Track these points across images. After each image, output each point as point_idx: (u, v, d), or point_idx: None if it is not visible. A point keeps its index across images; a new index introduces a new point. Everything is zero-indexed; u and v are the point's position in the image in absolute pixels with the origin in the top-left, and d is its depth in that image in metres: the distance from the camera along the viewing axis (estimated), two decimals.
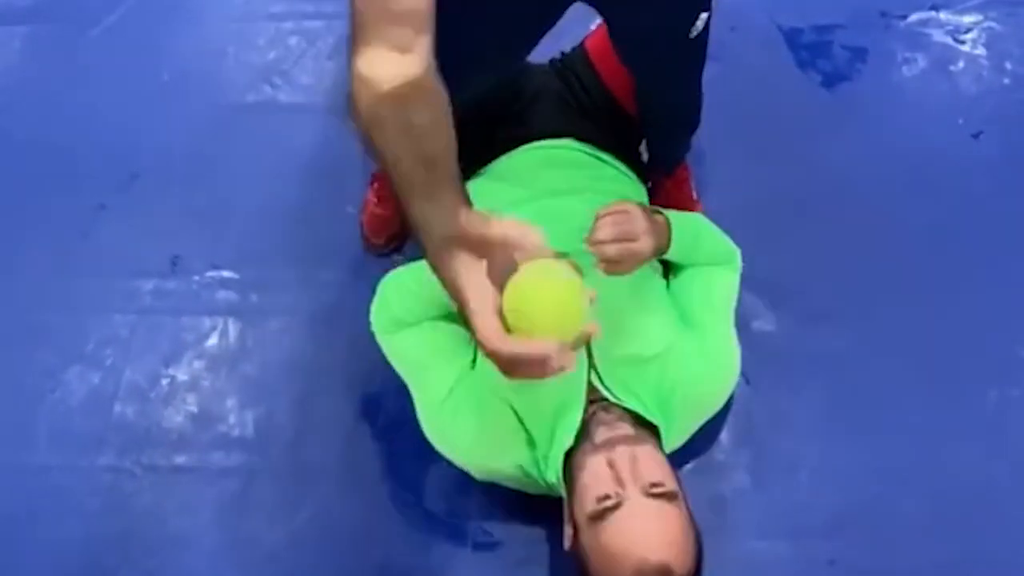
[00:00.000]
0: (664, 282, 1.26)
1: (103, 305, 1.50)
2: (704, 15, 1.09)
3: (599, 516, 0.96)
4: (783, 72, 1.72)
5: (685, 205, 1.48)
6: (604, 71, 1.38)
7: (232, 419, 1.39)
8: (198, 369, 1.43)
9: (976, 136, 1.64)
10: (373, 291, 1.48)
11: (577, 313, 0.65)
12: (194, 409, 1.40)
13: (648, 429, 1.10)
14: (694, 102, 1.33)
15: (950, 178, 1.59)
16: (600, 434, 1.05)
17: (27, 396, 1.41)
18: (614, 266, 1.03)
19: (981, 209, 1.55)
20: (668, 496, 0.97)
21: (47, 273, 1.54)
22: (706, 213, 1.51)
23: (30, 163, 1.68)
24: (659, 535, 0.95)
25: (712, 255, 1.25)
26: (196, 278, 1.52)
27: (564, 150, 1.34)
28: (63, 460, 1.36)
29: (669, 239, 1.13)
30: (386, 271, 1.49)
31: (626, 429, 1.06)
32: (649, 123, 1.37)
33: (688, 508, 1.02)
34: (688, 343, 1.18)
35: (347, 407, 1.39)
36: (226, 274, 1.53)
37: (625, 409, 1.10)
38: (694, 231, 1.21)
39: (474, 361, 1.18)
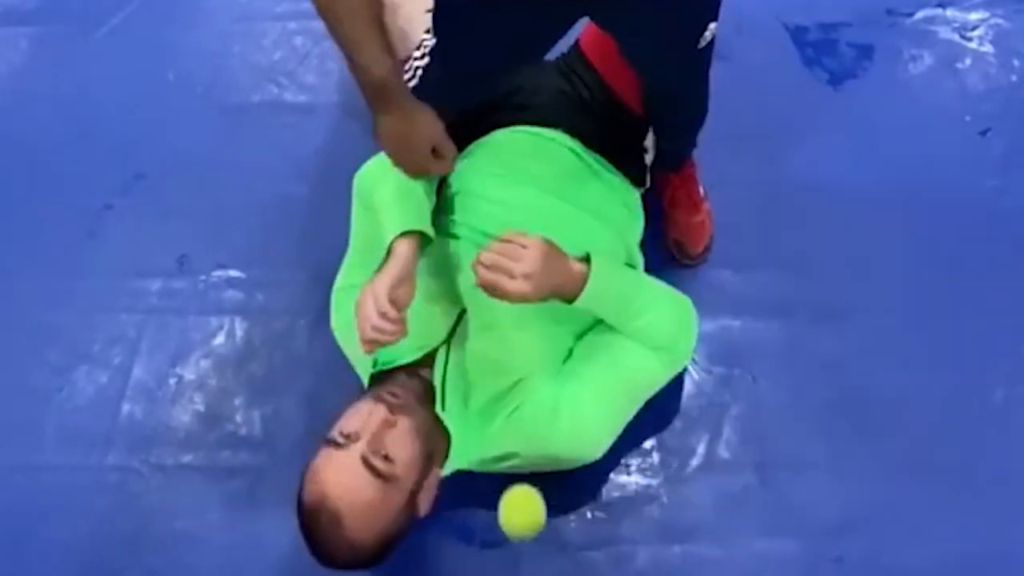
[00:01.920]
0: (573, 328, 1.20)
1: (110, 305, 1.50)
2: (713, 25, 1.09)
3: (327, 442, 1.03)
4: (789, 70, 1.72)
5: (691, 202, 1.48)
6: (603, 69, 1.38)
7: (239, 418, 1.39)
8: (205, 368, 1.44)
9: (983, 133, 1.63)
10: None
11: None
12: (201, 408, 1.40)
13: (433, 419, 1.11)
14: (702, 101, 1.32)
15: (957, 175, 1.58)
16: (387, 386, 1.10)
17: (35, 396, 1.42)
18: (486, 290, 1.04)
19: (988, 206, 1.55)
20: (381, 473, 1.00)
21: (54, 273, 1.54)
22: (713, 210, 1.51)
23: (37, 163, 1.68)
24: (346, 487, 0.99)
25: (642, 335, 1.15)
26: (203, 278, 1.53)
27: (552, 143, 1.31)
28: (71, 459, 1.36)
29: (578, 292, 1.08)
30: None
31: (408, 399, 1.08)
32: (656, 121, 1.36)
33: (409, 506, 1.05)
34: (548, 395, 1.12)
35: None
36: (233, 273, 1.53)
37: (430, 390, 1.13)
38: (624, 296, 1.13)
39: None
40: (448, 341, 1.17)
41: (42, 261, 1.56)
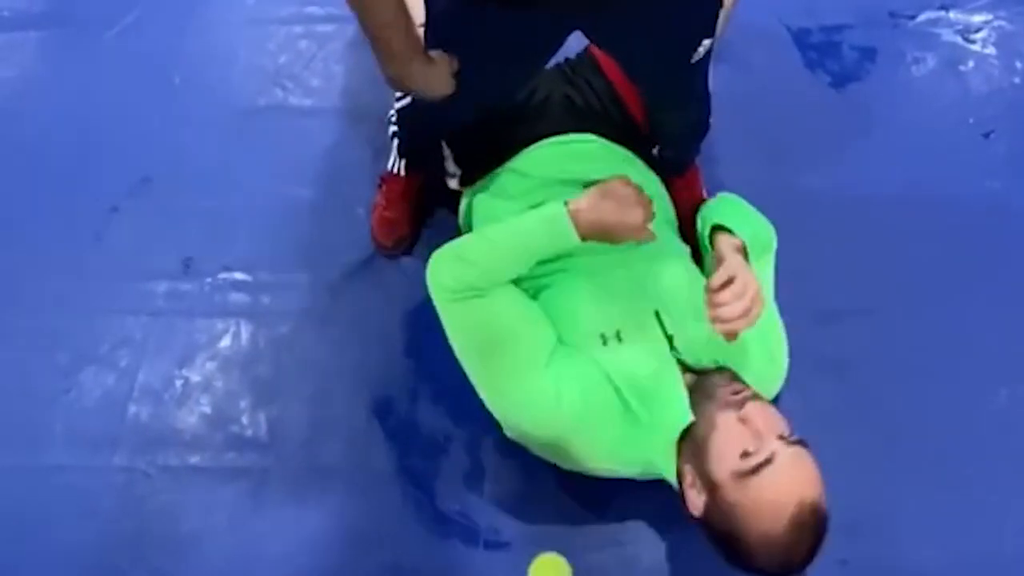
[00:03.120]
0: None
1: (117, 307, 1.51)
2: (707, 42, 1.09)
3: (752, 472, 0.98)
4: (792, 73, 1.73)
5: (696, 205, 1.48)
6: (613, 76, 1.38)
7: (245, 420, 1.39)
8: (211, 370, 1.44)
9: (987, 136, 1.64)
10: (383, 293, 1.50)
11: None
12: (207, 410, 1.41)
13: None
14: (701, 114, 1.33)
15: (960, 177, 1.59)
16: (722, 393, 1.07)
17: (42, 397, 1.43)
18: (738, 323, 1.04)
19: (991, 208, 1.55)
20: (802, 442, 1.01)
21: (61, 275, 1.55)
22: None
23: (44, 166, 1.69)
24: (806, 476, 0.98)
25: (759, 242, 1.25)
26: (208, 280, 1.53)
27: (586, 144, 1.34)
28: (77, 460, 1.37)
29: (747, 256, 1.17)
30: (396, 273, 1.52)
31: (743, 387, 1.09)
32: (659, 134, 1.37)
33: None
34: (752, 334, 1.15)
35: (359, 408, 1.39)
36: (238, 276, 1.54)
37: (731, 371, 1.13)
38: (755, 223, 1.26)
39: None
40: (671, 344, 1.16)
41: (49, 263, 1.56)
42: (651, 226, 1.16)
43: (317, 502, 1.31)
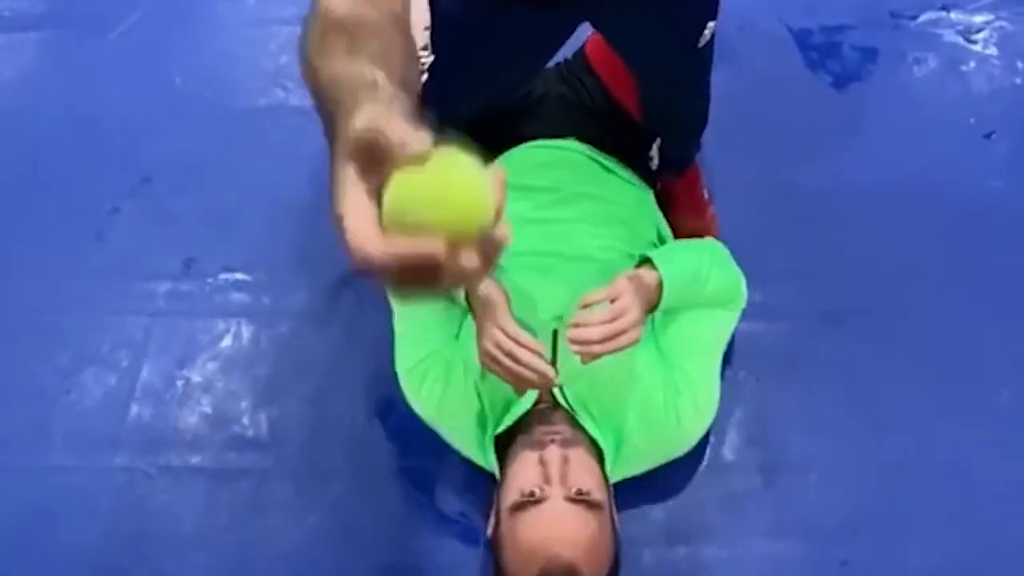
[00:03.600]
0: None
1: (118, 307, 1.51)
2: (711, 24, 1.09)
3: (519, 507, 0.98)
4: (792, 73, 1.72)
5: (696, 207, 1.48)
6: (606, 76, 1.38)
7: (246, 420, 1.40)
8: (212, 371, 1.44)
9: (988, 136, 1.63)
10: (385, 293, 1.49)
11: (472, 198, 0.45)
12: (208, 410, 1.41)
13: (589, 440, 1.10)
14: (702, 104, 1.33)
15: (962, 178, 1.58)
16: (538, 431, 1.07)
17: (43, 397, 1.43)
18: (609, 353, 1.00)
19: (993, 209, 1.55)
20: (590, 504, 0.99)
21: (62, 276, 1.55)
22: (717, 214, 1.51)
23: (45, 166, 1.69)
24: (572, 536, 0.96)
25: (714, 297, 1.20)
26: (210, 280, 1.53)
27: (566, 151, 1.33)
28: (79, 461, 1.37)
29: (659, 297, 1.10)
30: None
31: (565, 432, 1.07)
32: (657, 127, 1.37)
33: (613, 523, 1.04)
34: (657, 387, 1.15)
35: (359, 408, 1.39)
36: (239, 276, 1.54)
37: (572, 415, 1.11)
38: (693, 274, 1.16)
39: (458, 334, 1.21)
40: (553, 366, 1.11)
41: (50, 264, 1.56)
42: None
43: (318, 503, 1.31)
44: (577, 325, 0.99)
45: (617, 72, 1.32)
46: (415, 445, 1.35)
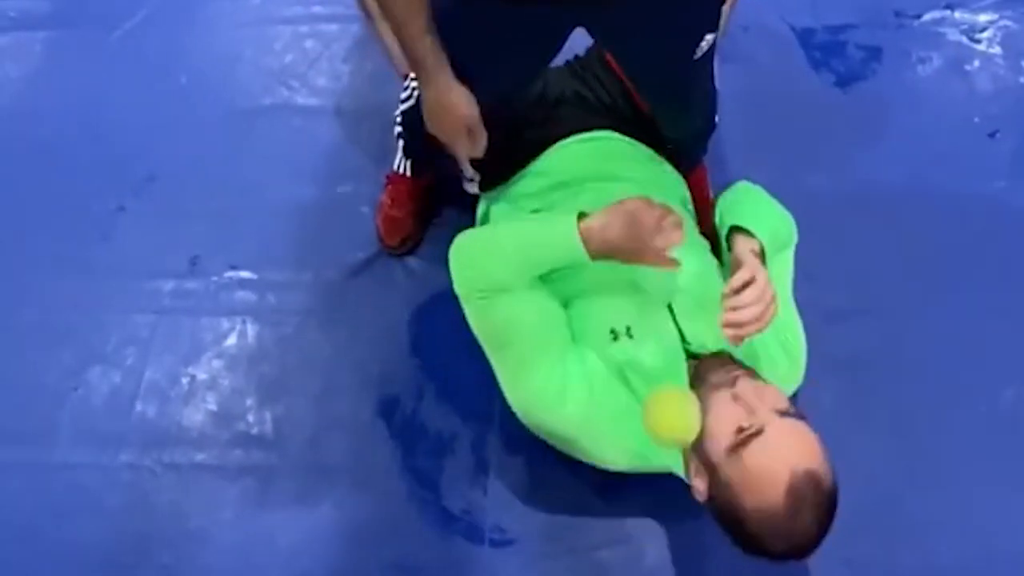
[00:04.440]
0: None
1: (124, 305, 1.52)
2: (710, 36, 1.09)
3: (741, 444, 0.97)
4: (797, 72, 1.73)
5: (702, 205, 1.48)
6: (621, 71, 1.38)
7: (251, 418, 1.40)
8: (217, 368, 1.45)
9: (992, 135, 1.64)
10: (389, 292, 1.50)
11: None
12: (213, 408, 1.41)
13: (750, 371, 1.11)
14: (707, 110, 1.33)
15: (966, 177, 1.59)
16: (715, 376, 1.07)
17: (49, 395, 1.43)
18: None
19: (997, 208, 1.55)
20: (798, 415, 1.00)
21: (68, 274, 1.55)
22: None
23: (51, 165, 1.70)
24: (802, 445, 0.97)
25: (780, 237, 1.23)
26: (214, 278, 1.54)
27: (608, 141, 1.34)
28: (85, 458, 1.37)
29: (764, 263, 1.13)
30: (402, 272, 1.52)
31: (735, 369, 1.08)
32: (664, 134, 1.37)
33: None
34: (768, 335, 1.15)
35: (364, 406, 1.40)
36: (244, 274, 1.54)
37: (728, 355, 1.13)
38: (775, 229, 1.21)
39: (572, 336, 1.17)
40: (679, 328, 1.15)
41: (56, 262, 1.57)
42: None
43: (322, 500, 1.32)
44: (732, 309, 1.02)
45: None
46: (420, 443, 1.36)
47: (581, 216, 1.08)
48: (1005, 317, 1.44)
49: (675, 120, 1.33)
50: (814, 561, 1.24)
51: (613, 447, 1.14)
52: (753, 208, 1.25)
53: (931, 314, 1.44)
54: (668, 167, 1.38)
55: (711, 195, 1.51)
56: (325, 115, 1.72)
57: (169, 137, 1.71)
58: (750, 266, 1.06)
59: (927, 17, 1.79)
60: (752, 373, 1.09)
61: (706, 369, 1.10)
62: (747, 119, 1.60)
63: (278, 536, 1.29)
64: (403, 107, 1.39)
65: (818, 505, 0.95)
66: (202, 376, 1.44)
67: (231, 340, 1.48)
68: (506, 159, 1.35)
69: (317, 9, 1.88)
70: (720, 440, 1.00)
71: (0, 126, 1.76)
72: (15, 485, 1.36)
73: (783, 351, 1.20)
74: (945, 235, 1.52)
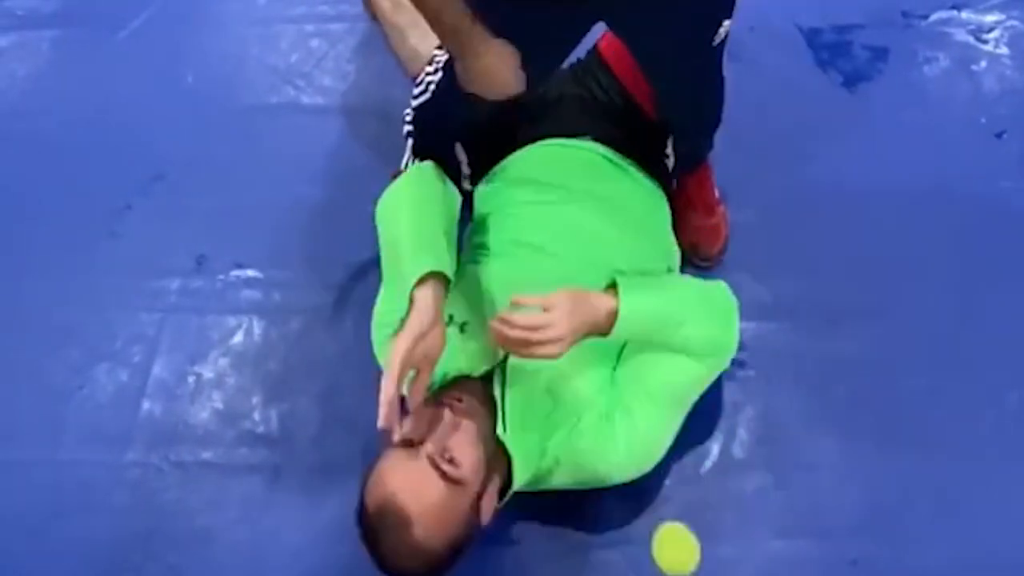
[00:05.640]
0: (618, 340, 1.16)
1: (130, 304, 1.52)
2: (727, 22, 1.09)
3: (392, 446, 1.02)
4: (803, 72, 1.72)
5: (707, 205, 1.48)
6: (621, 73, 1.38)
7: (257, 416, 1.40)
8: (223, 367, 1.45)
9: (999, 136, 1.63)
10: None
11: None
12: (219, 406, 1.42)
13: (494, 429, 1.09)
14: (717, 100, 1.33)
15: (972, 178, 1.58)
16: (451, 392, 1.09)
17: (56, 393, 1.44)
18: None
19: (1003, 209, 1.54)
20: (449, 478, 1.00)
21: (75, 273, 1.56)
22: (728, 212, 1.51)
23: (57, 164, 1.70)
24: (415, 488, 0.99)
25: (686, 346, 1.13)
26: (221, 277, 1.54)
27: (581, 151, 1.34)
28: (91, 456, 1.38)
29: (611, 325, 1.07)
30: None
31: (473, 407, 1.07)
32: (671, 125, 1.37)
33: (473, 513, 1.04)
34: (595, 412, 1.13)
35: (369, 404, 1.36)
36: (250, 273, 1.54)
37: (491, 402, 1.11)
38: (663, 316, 1.12)
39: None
40: (505, 360, 1.15)
41: (63, 260, 1.58)
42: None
43: (328, 498, 1.32)
44: (502, 320, 1.01)
45: (632, 68, 1.33)
46: None
47: (423, 279, 1.05)
48: (1011, 319, 1.43)
49: (684, 112, 1.32)
50: (819, 560, 1.25)
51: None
52: (660, 292, 1.17)
53: (935, 315, 1.44)
54: (648, 182, 1.36)
55: (715, 194, 1.51)
56: (331, 114, 1.72)
57: (175, 136, 1.71)
58: (551, 297, 1.03)
59: (934, 17, 1.79)
60: (476, 417, 1.06)
61: (462, 384, 1.12)
62: (753, 119, 1.59)
63: (284, 534, 1.30)
64: (416, 103, 1.38)
65: (394, 544, 0.98)
66: (208, 374, 1.45)
67: (237, 338, 1.48)
68: (499, 155, 1.36)
69: (323, 8, 1.88)
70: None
71: (7, 124, 1.76)
72: (22, 483, 1.37)
73: (603, 440, 1.12)
74: (951, 236, 1.52)
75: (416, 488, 0.99)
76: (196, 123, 1.73)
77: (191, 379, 1.44)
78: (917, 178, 1.58)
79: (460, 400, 1.07)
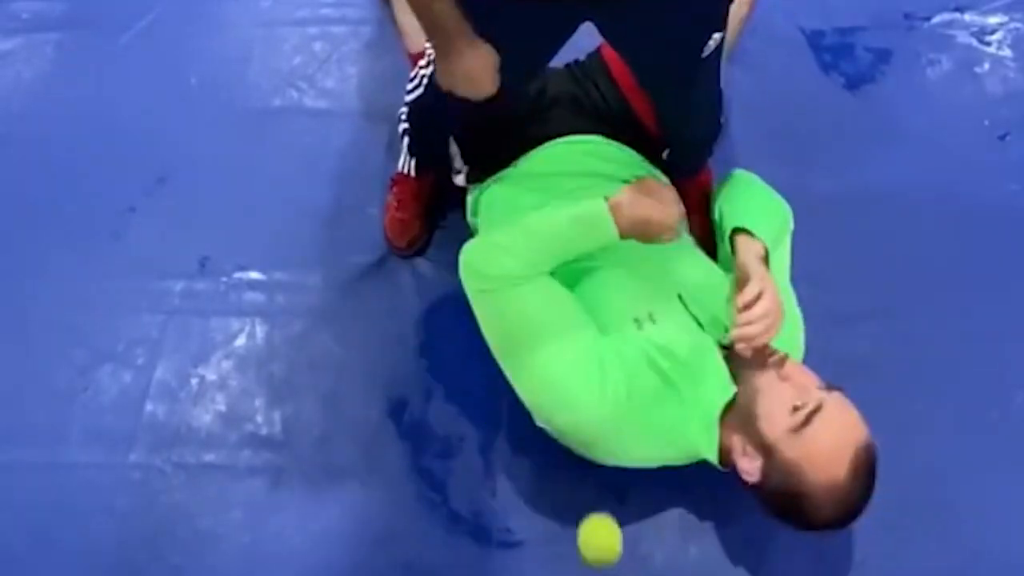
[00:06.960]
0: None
1: (134, 306, 1.52)
2: (717, 35, 1.09)
3: (804, 423, 1.02)
4: (806, 75, 1.72)
5: (707, 207, 1.48)
6: (622, 81, 1.38)
7: (260, 418, 1.40)
8: (226, 369, 1.45)
9: (1002, 138, 1.63)
10: (397, 293, 1.51)
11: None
12: (223, 408, 1.42)
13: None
14: (713, 114, 1.33)
15: (976, 180, 1.58)
16: (756, 363, 1.11)
17: (59, 395, 1.44)
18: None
19: (1007, 210, 1.54)
20: (840, 388, 1.07)
21: (79, 274, 1.56)
22: None
23: (61, 166, 1.71)
24: (854, 417, 1.05)
25: (782, 231, 1.29)
26: (224, 279, 1.55)
27: (595, 144, 1.35)
28: (94, 458, 1.38)
29: (768, 259, 1.19)
30: (410, 274, 1.53)
31: (774, 350, 1.12)
32: (670, 138, 1.37)
33: None
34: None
35: (373, 406, 1.40)
36: (253, 275, 1.55)
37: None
38: (777, 229, 1.26)
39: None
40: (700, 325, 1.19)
41: (67, 262, 1.58)
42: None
43: (331, 501, 1.32)
44: (743, 327, 1.08)
45: (634, 80, 1.33)
46: (428, 444, 1.36)
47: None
48: (1016, 320, 1.43)
49: (680, 123, 1.32)
50: (823, 560, 1.25)
51: (648, 435, 1.12)
52: (752, 204, 1.28)
53: (941, 317, 1.44)
54: (658, 174, 1.37)
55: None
56: (334, 117, 1.73)
57: (179, 138, 1.72)
58: (758, 278, 1.10)
59: (937, 19, 1.79)
60: (786, 354, 1.13)
61: (741, 364, 1.14)
62: (756, 121, 1.60)
63: (287, 536, 1.30)
64: (409, 98, 1.38)
65: (871, 472, 1.03)
66: (211, 376, 1.45)
67: (240, 340, 1.48)
68: (495, 154, 1.36)
69: (326, 11, 1.88)
70: (776, 421, 1.04)
71: (11, 127, 1.77)
72: (25, 484, 1.37)
73: (787, 331, 1.20)
74: (955, 238, 1.52)
75: (855, 420, 1.05)
76: (200, 125, 1.73)
77: (194, 381, 1.44)
78: (920, 180, 1.58)
79: (769, 356, 1.11)
